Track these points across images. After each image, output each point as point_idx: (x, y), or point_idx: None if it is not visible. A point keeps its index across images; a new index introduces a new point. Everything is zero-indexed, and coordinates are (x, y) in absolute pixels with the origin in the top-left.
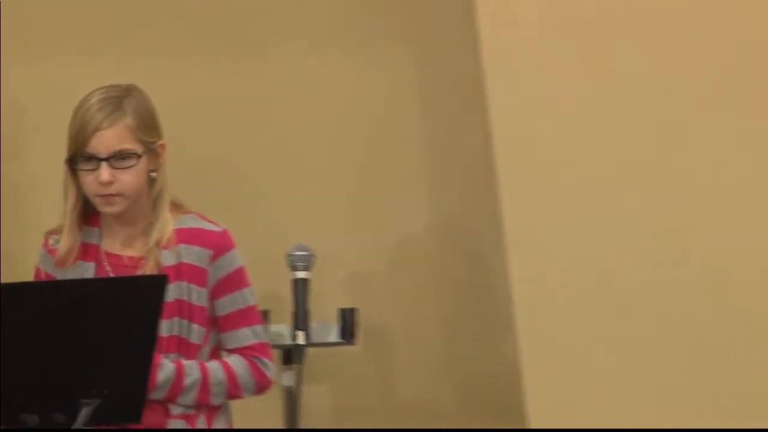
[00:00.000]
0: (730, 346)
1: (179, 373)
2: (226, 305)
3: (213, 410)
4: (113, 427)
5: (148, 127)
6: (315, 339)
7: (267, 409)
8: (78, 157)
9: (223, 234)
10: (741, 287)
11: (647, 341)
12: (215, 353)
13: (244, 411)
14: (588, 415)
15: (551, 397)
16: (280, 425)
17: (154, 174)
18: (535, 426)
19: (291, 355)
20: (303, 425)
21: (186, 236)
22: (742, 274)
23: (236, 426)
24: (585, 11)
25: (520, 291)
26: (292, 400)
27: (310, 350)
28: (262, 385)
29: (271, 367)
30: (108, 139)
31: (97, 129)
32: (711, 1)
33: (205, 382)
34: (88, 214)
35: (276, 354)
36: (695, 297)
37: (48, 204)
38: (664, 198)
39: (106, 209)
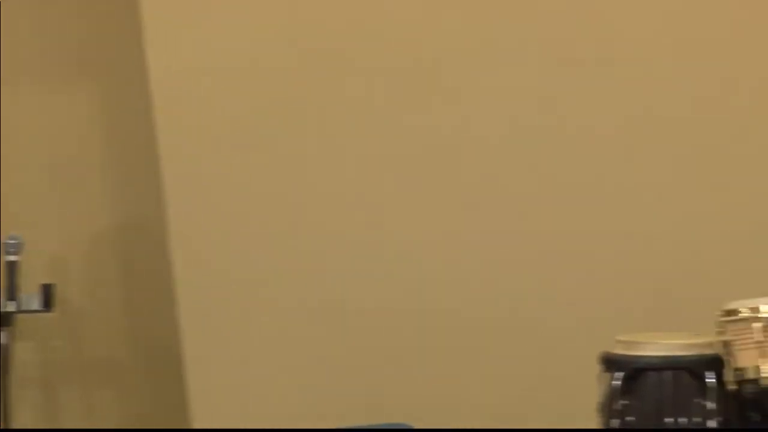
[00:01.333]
0: (398, 345)
1: None
2: None
3: None
4: None
5: None
6: (22, 307)
7: None
8: None
9: None
10: (393, 286)
11: (304, 336)
12: None
13: None
14: (242, 384)
15: (205, 350)
16: None
17: None
18: (191, 377)
19: (2, 319)
20: (13, 374)
21: None
22: (403, 273)
23: None
24: (238, 43)
25: (182, 274)
26: (5, 354)
27: (18, 315)
28: None
29: None
30: None
31: None
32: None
33: None
34: None
35: None
36: (354, 298)
37: None
38: (323, 200)
39: None
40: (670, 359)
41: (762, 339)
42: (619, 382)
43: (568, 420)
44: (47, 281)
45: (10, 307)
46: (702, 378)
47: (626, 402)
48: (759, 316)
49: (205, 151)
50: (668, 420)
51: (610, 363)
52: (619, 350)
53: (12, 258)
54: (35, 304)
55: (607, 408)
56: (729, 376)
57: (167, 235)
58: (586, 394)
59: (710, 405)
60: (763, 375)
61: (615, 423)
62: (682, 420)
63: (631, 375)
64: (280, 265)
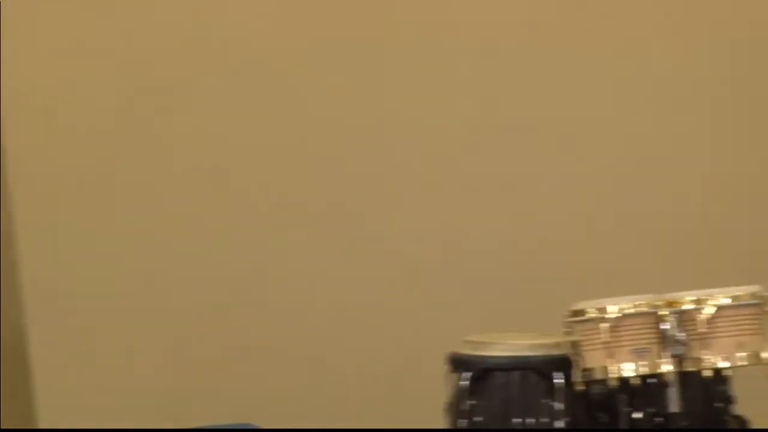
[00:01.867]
0: (242, 344)
1: None
2: None
3: None
4: None
5: None
6: None
7: None
8: None
9: None
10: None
11: (151, 337)
12: None
13: None
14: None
15: (51, 353)
16: None
17: None
18: (38, 381)
19: None
20: None
21: None
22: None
23: None
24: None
25: (28, 276)
26: None
27: None
28: None
29: None
30: None
31: None
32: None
33: None
34: None
35: None
36: (197, 300)
37: None
38: (165, 203)
39: None
40: (517, 359)
41: (609, 339)
42: (466, 383)
43: (415, 420)
44: None
45: None
46: (550, 378)
47: (474, 402)
48: (606, 316)
49: (51, 150)
50: (516, 420)
51: (458, 363)
52: (467, 350)
53: None
54: None
55: (455, 408)
56: (577, 376)
57: (12, 236)
58: (434, 395)
59: (558, 405)
60: (610, 375)
61: (463, 423)
62: (530, 420)
63: (479, 375)
64: (127, 266)
